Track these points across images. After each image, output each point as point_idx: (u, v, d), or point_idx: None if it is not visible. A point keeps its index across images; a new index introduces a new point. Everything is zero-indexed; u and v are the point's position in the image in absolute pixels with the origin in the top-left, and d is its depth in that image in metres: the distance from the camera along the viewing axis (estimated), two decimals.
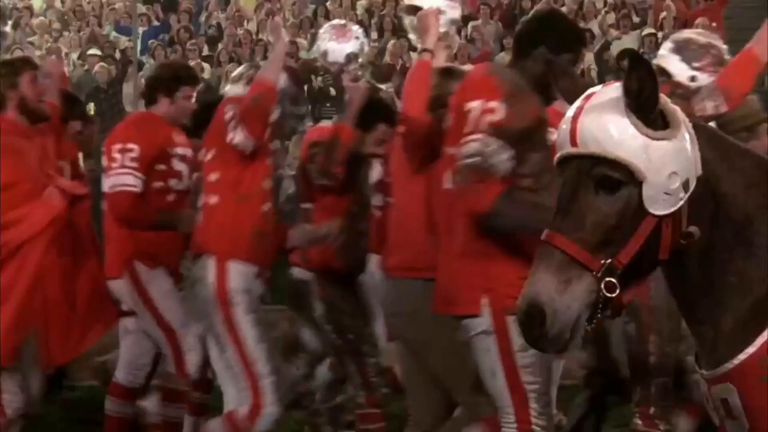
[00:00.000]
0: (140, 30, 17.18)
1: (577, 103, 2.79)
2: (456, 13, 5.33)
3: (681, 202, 2.72)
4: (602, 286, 2.66)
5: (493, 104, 4.03)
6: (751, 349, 2.76)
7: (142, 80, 14.89)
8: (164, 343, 5.87)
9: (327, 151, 5.66)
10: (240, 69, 5.74)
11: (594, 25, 16.63)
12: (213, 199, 5.29)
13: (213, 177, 5.32)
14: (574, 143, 2.74)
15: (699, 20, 15.57)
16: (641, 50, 15.02)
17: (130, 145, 5.69)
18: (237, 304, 5.18)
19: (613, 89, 2.76)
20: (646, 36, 15.54)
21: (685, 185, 2.72)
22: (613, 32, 16.35)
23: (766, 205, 2.82)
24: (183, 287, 5.81)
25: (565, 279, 2.65)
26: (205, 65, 16.41)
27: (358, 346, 5.84)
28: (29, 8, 19.31)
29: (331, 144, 5.68)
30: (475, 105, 4.06)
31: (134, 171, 5.68)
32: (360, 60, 6.64)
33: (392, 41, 16.19)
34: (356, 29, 6.81)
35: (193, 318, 5.56)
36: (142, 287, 5.81)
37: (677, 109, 2.80)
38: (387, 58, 15.99)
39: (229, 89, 5.61)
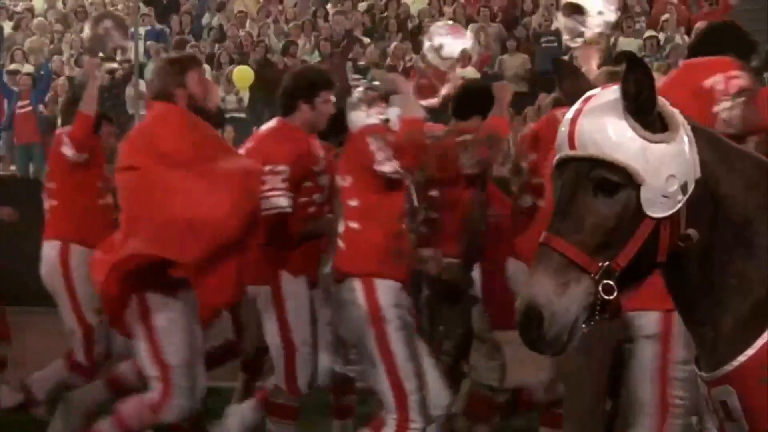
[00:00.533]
0: (142, 30, 17.16)
1: (576, 105, 2.79)
2: (612, 15, 5.50)
3: (679, 205, 2.71)
4: (600, 288, 2.66)
5: (734, 73, 4.41)
6: (750, 351, 2.76)
7: (142, 82, 14.93)
8: (280, 356, 5.89)
9: (489, 142, 5.96)
10: (356, 94, 5.84)
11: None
12: (355, 225, 5.48)
13: (353, 203, 5.51)
14: (572, 146, 2.74)
15: (699, 24, 15.58)
16: (642, 53, 15.03)
17: (280, 167, 5.74)
18: (389, 321, 5.36)
19: (612, 92, 2.75)
20: (648, 39, 15.53)
21: (684, 188, 2.72)
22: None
23: (766, 206, 2.81)
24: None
25: (563, 281, 2.66)
26: (206, 67, 16.40)
27: (441, 339, 5.94)
28: (30, 9, 19.31)
29: (493, 136, 5.99)
30: (716, 78, 4.31)
31: (285, 191, 5.75)
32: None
33: (395, 43, 16.18)
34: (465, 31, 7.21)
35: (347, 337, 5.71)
36: (281, 297, 5.86)
37: (676, 111, 2.80)
38: (389, 60, 15.99)
39: (354, 116, 5.69)
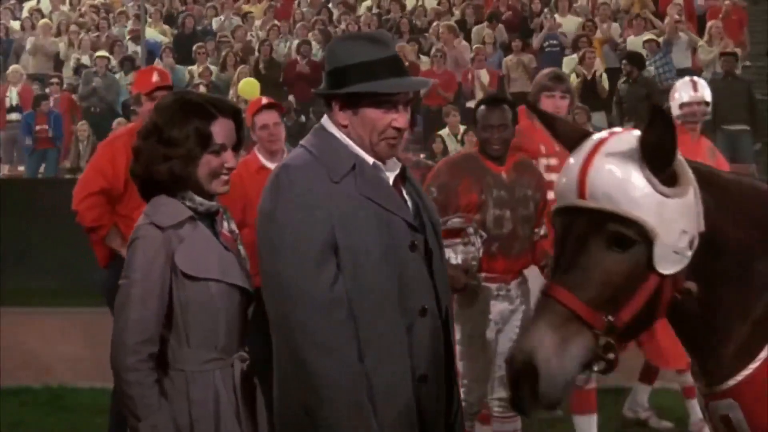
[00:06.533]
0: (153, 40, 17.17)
1: (584, 151, 2.71)
2: None
3: (687, 260, 2.65)
4: (601, 345, 2.59)
5: None
6: (754, 364, 2.75)
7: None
8: None
9: None
10: None
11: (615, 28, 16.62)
12: None
13: None
14: (582, 195, 2.66)
15: (712, 23, 15.61)
16: (644, 52, 15.01)
17: None
18: None
19: (623, 140, 2.68)
20: (647, 41, 15.47)
21: (691, 243, 2.66)
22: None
23: (763, 239, 2.76)
24: None
25: (565, 337, 2.58)
26: (212, 68, 16.40)
27: None
28: (39, 11, 19.32)
29: None
30: None
31: None
32: None
33: (402, 44, 16.14)
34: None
35: None
36: None
37: (683, 160, 2.72)
38: None
39: None
